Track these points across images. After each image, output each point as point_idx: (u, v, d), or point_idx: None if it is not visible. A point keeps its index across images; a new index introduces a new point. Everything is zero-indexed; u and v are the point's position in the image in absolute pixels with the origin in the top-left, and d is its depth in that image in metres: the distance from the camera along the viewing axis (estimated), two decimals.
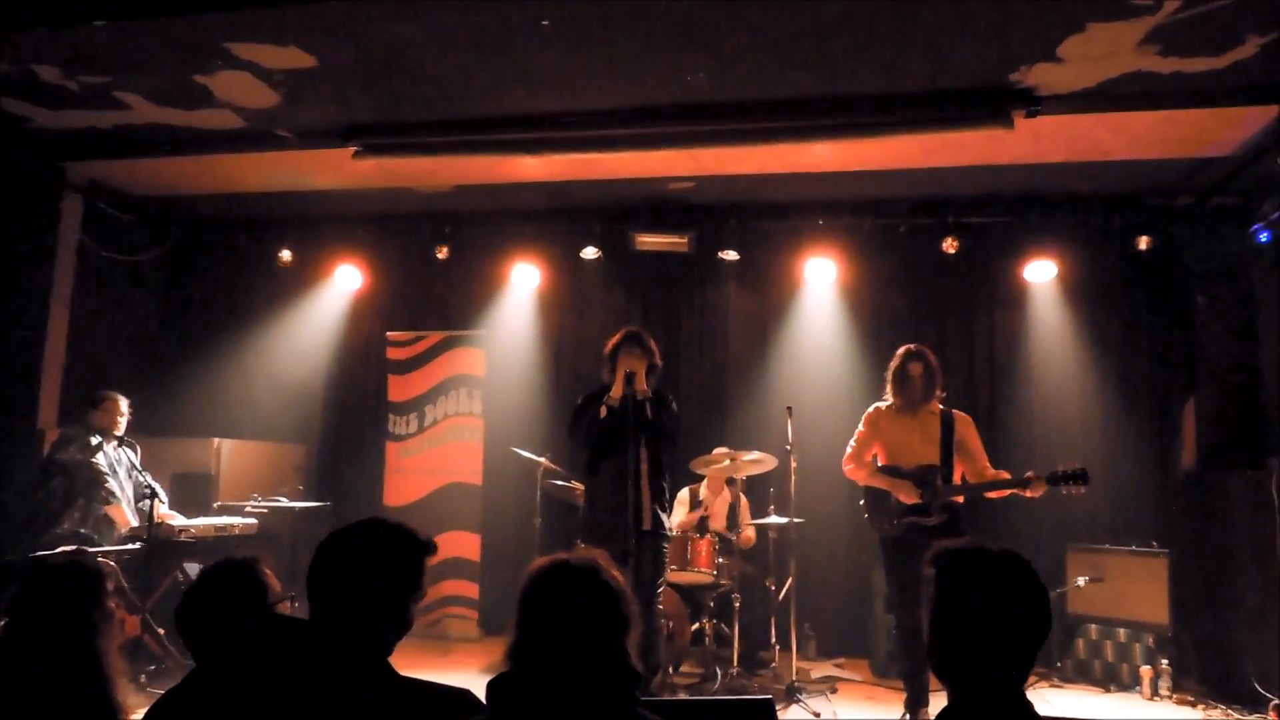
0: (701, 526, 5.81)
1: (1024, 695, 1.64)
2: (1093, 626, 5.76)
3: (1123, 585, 5.71)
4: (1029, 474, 4.46)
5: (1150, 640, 5.51)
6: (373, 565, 1.94)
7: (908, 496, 4.54)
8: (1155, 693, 5.33)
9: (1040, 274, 6.45)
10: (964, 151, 5.61)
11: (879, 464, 4.75)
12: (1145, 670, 5.39)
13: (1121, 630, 5.64)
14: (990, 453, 4.82)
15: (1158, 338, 6.36)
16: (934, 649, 1.70)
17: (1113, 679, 5.59)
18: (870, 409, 4.87)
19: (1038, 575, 1.69)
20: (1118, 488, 6.19)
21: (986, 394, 6.63)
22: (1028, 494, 4.46)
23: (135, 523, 5.20)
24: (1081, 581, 5.79)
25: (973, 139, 5.29)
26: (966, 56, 4.56)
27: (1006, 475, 4.60)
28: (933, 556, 1.77)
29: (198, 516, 5.63)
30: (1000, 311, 6.71)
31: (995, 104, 4.96)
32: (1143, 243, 6.13)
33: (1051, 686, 5.61)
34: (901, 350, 4.81)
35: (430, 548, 2.03)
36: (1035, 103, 4.94)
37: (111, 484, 5.21)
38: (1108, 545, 5.89)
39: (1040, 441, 6.38)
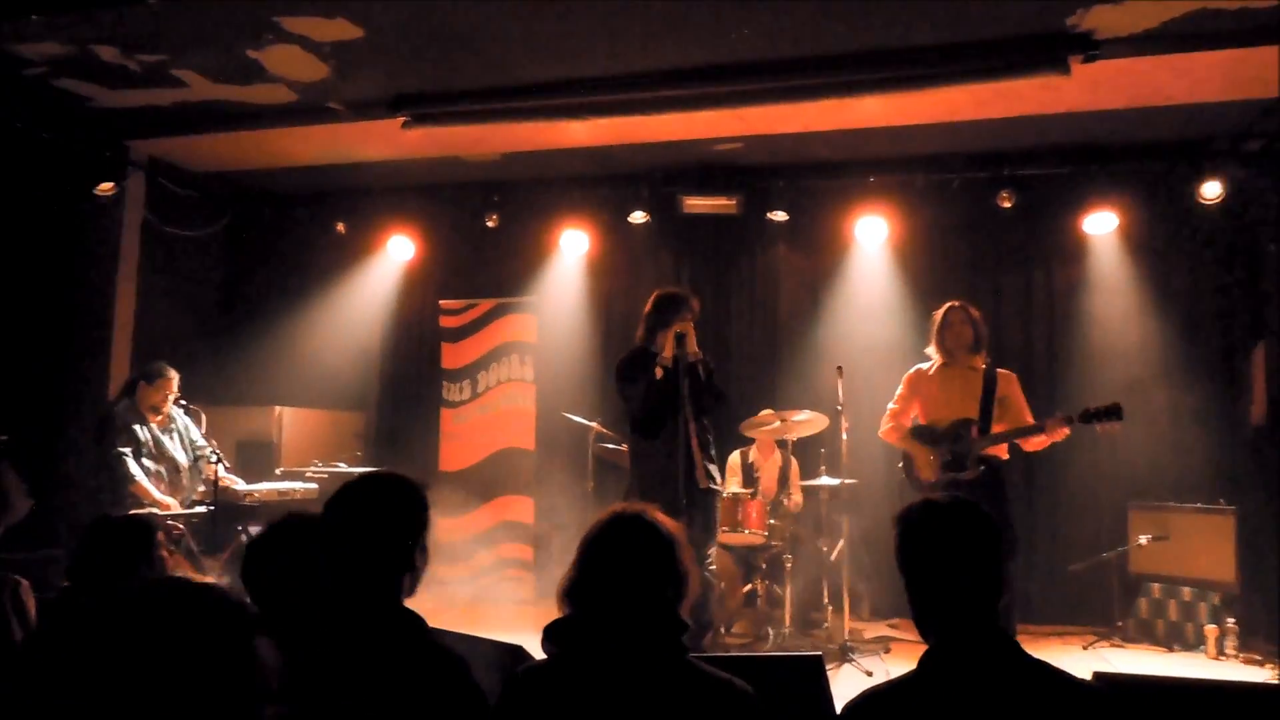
0: (752, 488, 5.81)
1: (999, 627, 1.74)
2: (1155, 586, 5.64)
3: (1188, 543, 5.58)
4: (1058, 414, 4.41)
5: (1216, 599, 5.39)
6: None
7: (926, 472, 4.51)
8: (1221, 652, 5.21)
9: (1100, 226, 6.25)
10: (1018, 101, 5.45)
11: (916, 424, 4.74)
12: (1211, 629, 5.27)
13: (1186, 589, 5.52)
14: (1049, 410, 4.71)
15: (1224, 289, 6.13)
16: (914, 608, 1.80)
17: (1177, 638, 5.48)
18: (911, 370, 4.84)
19: (978, 508, 1.77)
20: (1182, 444, 6.00)
21: (1044, 350, 6.48)
22: (1056, 437, 4.39)
23: (161, 496, 5.19)
24: (1144, 540, 5.66)
25: (1027, 88, 5.12)
26: (1019, 1, 4.42)
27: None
28: (894, 521, 1.84)
29: (260, 482, 5.82)
30: (1059, 265, 6.53)
31: (1050, 50, 4.80)
32: (1209, 190, 5.87)
33: (1112, 646, 5.53)
34: (944, 306, 4.78)
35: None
36: (1093, 47, 4.77)
37: (130, 463, 5.20)
38: (1172, 503, 5.76)
39: (1102, 397, 6.19)
